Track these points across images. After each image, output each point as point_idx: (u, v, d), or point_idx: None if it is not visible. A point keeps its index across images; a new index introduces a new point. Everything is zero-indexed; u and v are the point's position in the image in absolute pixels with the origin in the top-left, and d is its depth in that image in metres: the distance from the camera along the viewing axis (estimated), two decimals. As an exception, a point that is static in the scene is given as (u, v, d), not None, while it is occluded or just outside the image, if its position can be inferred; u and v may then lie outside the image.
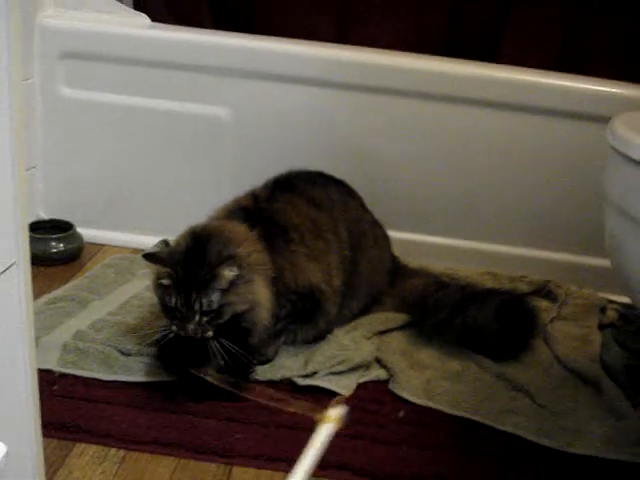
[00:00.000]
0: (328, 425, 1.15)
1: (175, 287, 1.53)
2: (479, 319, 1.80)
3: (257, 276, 1.60)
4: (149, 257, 1.56)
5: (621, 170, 1.36)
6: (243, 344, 1.57)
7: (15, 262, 0.97)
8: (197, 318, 1.52)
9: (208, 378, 1.53)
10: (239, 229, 1.66)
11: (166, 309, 1.57)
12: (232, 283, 1.54)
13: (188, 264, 1.53)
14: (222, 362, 1.54)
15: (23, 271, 0.99)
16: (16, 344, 1.02)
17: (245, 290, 1.56)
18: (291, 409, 1.37)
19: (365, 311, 1.94)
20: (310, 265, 1.76)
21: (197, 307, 1.51)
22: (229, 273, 1.52)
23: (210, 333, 1.53)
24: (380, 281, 1.98)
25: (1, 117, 0.92)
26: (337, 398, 1.33)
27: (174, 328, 1.54)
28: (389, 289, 1.99)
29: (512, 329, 1.82)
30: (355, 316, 1.92)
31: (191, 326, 1.52)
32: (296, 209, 1.81)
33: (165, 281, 1.55)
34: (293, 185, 1.88)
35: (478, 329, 1.81)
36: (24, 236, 0.99)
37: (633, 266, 1.37)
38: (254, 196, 1.83)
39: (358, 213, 1.96)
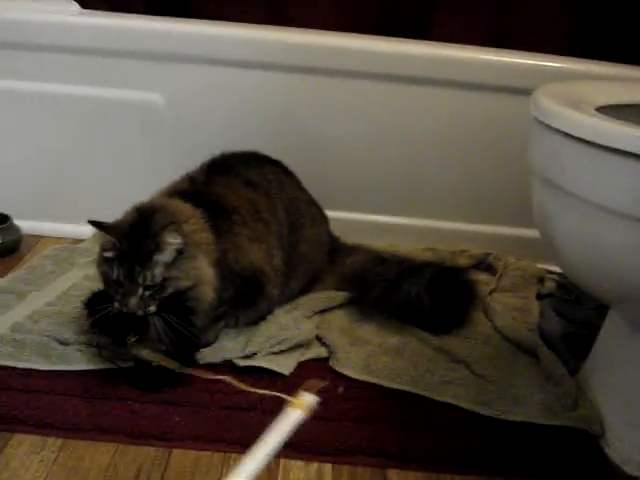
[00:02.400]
0: (297, 411, 1.12)
1: (119, 259, 1.52)
2: (412, 293, 1.82)
3: (201, 254, 1.60)
4: (95, 224, 1.55)
5: (543, 140, 1.38)
6: (187, 323, 1.55)
7: None
8: (140, 292, 1.51)
9: (145, 354, 1.52)
10: (184, 207, 1.66)
11: (109, 284, 1.55)
12: (176, 257, 1.53)
13: (132, 236, 1.53)
14: (165, 340, 1.52)
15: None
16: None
17: (189, 266, 1.56)
18: (259, 392, 1.37)
19: (305, 290, 1.95)
20: (253, 247, 1.76)
21: (140, 280, 1.50)
22: (172, 240, 1.51)
23: (152, 308, 1.52)
24: (319, 260, 1.99)
25: None
26: (310, 382, 1.31)
27: (116, 304, 1.52)
28: (329, 267, 2.00)
29: (446, 302, 1.84)
30: (295, 295, 1.93)
31: (133, 300, 1.50)
32: (234, 191, 1.81)
33: (109, 253, 1.54)
34: (229, 167, 1.87)
35: (412, 303, 1.83)
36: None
37: (559, 234, 1.40)
38: (191, 179, 1.82)
39: (295, 192, 1.97)
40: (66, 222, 2.28)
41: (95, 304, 1.58)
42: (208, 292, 1.61)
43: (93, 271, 1.93)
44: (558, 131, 1.31)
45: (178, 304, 1.55)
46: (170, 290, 1.54)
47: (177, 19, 2.21)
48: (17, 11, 2.16)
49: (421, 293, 1.82)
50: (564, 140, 1.30)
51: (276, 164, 1.97)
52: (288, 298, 1.91)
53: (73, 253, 2.13)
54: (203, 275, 1.59)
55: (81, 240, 2.23)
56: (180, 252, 1.54)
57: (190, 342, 1.57)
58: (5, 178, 2.28)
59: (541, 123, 1.37)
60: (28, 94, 2.20)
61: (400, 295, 1.84)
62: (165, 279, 1.52)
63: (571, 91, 1.49)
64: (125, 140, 2.24)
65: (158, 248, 1.51)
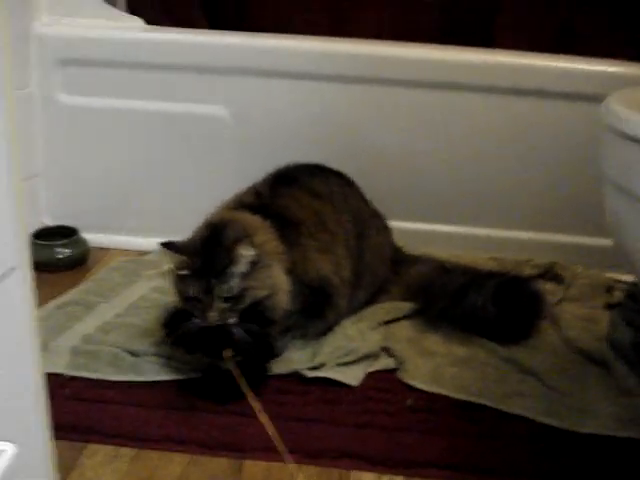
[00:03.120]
0: None
1: (194, 276, 1.53)
2: (478, 303, 1.81)
3: (275, 263, 1.61)
4: (167, 245, 1.57)
5: (617, 147, 1.35)
6: (265, 332, 1.58)
7: (15, 266, 0.98)
8: (218, 305, 1.52)
9: (230, 367, 1.53)
10: (253, 219, 1.67)
11: (186, 301, 1.57)
12: (251, 268, 1.54)
13: (205, 251, 1.54)
14: (245, 350, 1.53)
15: (23, 274, 1.00)
16: (22, 347, 1.03)
17: (264, 275, 1.57)
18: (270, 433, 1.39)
19: (371, 301, 1.95)
20: (320, 258, 1.77)
21: (218, 293, 1.51)
22: (246, 253, 1.52)
23: (233, 320, 1.53)
24: (384, 270, 1.98)
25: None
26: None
27: (196, 320, 1.54)
28: (394, 277, 1.99)
29: (512, 312, 1.81)
30: (362, 306, 1.93)
31: (212, 314, 1.51)
32: (300, 203, 1.82)
33: (184, 272, 1.55)
34: (294, 178, 1.88)
35: (478, 313, 1.81)
36: (23, 239, 1.00)
37: (634, 243, 1.37)
38: (256, 192, 1.84)
39: (358, 203, 1.97)
40: (133, 235, 2.33)
41: (173, 323, 1.60)
42: (284, 299, 1.62)
43: (161, 283, 1.97)
44: (633, 138, 1.28)
45: (257, 314, 1.56)
46: (248, 301, 1.55)
47: (239, 33, 2.24)
48: (83, 29, 2.22)
49: (487, 303, 1.80)
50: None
51: (339, 175, 1.97)
52: (355, 308, 1.91)
53: (140, 265, 2.16)
54: (278, 283, 1.61)
55: (146, 252, 2.26)
56: (254, 263, 1.55)
57: (268, 351, 1.60)
58: (72, 192, 2.34)
59: (615, 130, 1.34)
60: (95, 110, 2.25)
61: (466, 305, 1.82)
62: (242, 290, 1.53)
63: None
64: (190, 153, 2.27)
65: (232, 261, 1.52)
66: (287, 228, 1.71)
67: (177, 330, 1.57)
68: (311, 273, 1.74)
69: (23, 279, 1.00)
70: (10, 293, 0.98)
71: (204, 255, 1.54)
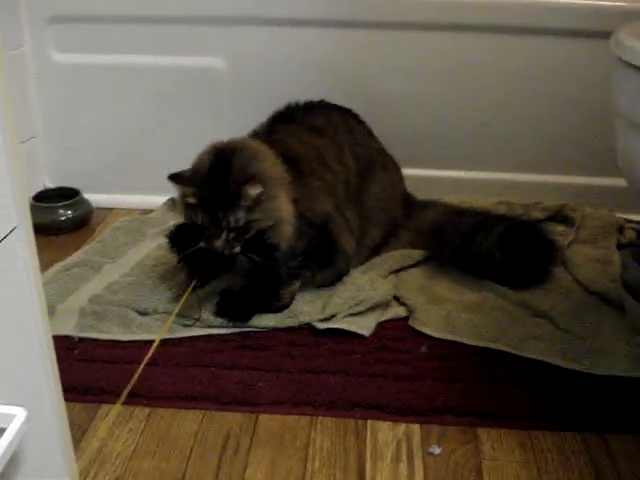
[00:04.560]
0: None
1: (201, 206, 1.56)
2: (483, 248, 1.79)
3: (280, 192, 1.62)
4: (174, 178, 1.59)
5: (629, 80, 1.32)
6: (270, 260, 1.60)
7: (16, 226, 0.96)
8: (224, 235, 1.55)
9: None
10: (261, 147, 1.67)
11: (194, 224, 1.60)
12: (257, 200, 1.56)
13: (212, 182, 1.56)
14: (251, 277, 1.60)
15: (26, 234, 0.98)
16: (27, 309, 1.02)
17: (269, 207, 1.59)
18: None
19: (383, 245, 1.92)
20: (323, 196, 1.75)
21: (224, 225, 1.55)
22: (254, 191, 1.54)
23: (238, 249, 1.57)
24: (395, 208, 1.94)
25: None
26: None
27: (202, 244, 1.58)
28: (404, 221, 1.96)
29: (519, 257, 1.79)
30: (377, 246, 1.90)
31: (218, 243, 1.55)
32: (298, 138, 1.79)
33: (191, 199, 1.57)
34: (292, 116, 1.86)
35: (483, 257, 1.79)
36: (23, 198, 0.98)
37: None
38: (254, 133, 1.82)
39: (364, 139, 1.93)
40: (135, 193, 2.30)
41: (179, 239, 1.64)
42: (288, 230, 1.63)
43: (164, 241, 1.95)
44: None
45: (261, 243, 1.59)
46: (253, 231, 1.57)
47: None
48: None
49: (492, 249, 1.78)
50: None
51: (346, 110, 1.93)
52: (369, 249, 1.89)
53: (143, 224, 2.13)
54: (283, 214, 1.62)
55: (149, 210, 2.23)
56: (261, 195, 1.55)
57: (274, 278, 1.63)
58: (73, 153, 2.30)
59: (626, 63, 1.31)
60: (89, 67, 2.20)
61: (472, 249, 1.80)
62: (247, 222, 1.56)
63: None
64: (188, 106, 2.23)
65: (240, 197, 1.53)
66: (288, 163, 1.68)
67: (185, 249, 1.61)
68: (314, 209, 1.72)
69: (25, 238, 0.98)
70: (13, 252, 0.97)
71: (211, 186, 1.55)
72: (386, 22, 2.10)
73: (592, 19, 2.04)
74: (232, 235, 1.56)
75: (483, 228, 1.82)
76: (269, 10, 2.11)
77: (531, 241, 1.84)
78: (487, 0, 2.07)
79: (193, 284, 1.61)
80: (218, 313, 1.67)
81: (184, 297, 1.60)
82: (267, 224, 1.58)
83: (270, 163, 1.62)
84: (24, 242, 0.98)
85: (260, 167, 1.58)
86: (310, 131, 1.82)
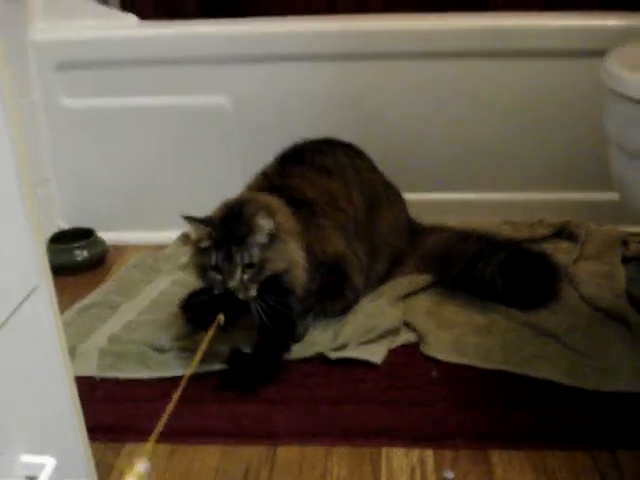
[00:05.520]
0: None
1: (215, 245, 1.58)
2: (486, 275, 1.82)
3: (292, 241, 1.65)
4: (189, 218, 1.61)
5: (617, 108, 1.36)
6: (285, 306, 1.62)
7: (38, 285, 1.00)
8: (239, 273, 1.56)
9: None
10: (270, 199, 1.71)
11: (206, 274, 1.61)
12: (269, 240, 1.59)
13: (226, 224, 1.59)
14: (267, 324, 1.58)
15: (47, 292, 1.01)
16: (51, 362, 1.05)
17: (282, 249, 1.62)
18: None
19: (389, 274, 1.96)
20: (334, 235, 1.80)
21: (238, 260, 1.56)
22: (265, 223, 1.57)
23: (253, 292, 1.58)
24: (400, 241, 1.98)
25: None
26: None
27: (215, 289, 1.59)
28: (409, 249, 2.00)
29: (521, 284, 1.82)
30: (381, 279, 1.94)
31: (233, 282, 1.56)
32: (310, 181, 1.83)
33: (204, 243, 1.60)
34: (301, 157, 1.90)
35: (488, 284, 1.82)
36: (42, 256, 1.01)
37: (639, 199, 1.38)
38: (265, 175, 1.86)
39: (369, 174, 1.97)
40: (147, 230, 2.35)
41: (190, 303, 1.67)
42: (301, 275, 1.66)
43: (180, 276, 1.99)
44: (631, 99, 1.29)
45: (276, 287, 1.61)
46: (267, 272, 1.59)
47: (232, 20, 2.23)
48: (79, 30, 2.22)
49: (494, 275, 1.81)
50: (637, 107, 1.28)
51: (349, 147, 1.97)
52: (375, 282, 1.92)
53: (158, 260, 2.18)
54: (296, 259, 1.65)
55: (163, 246, 2.28)
56: (273, 236, 1.59)
57: (289, 325, 1.64)
58: (86, 193, 2.36)
59: (614, 92, 1.35)
60: (98, 110, 2.27)
61: (476, 276, 1.84)
62: (262, 260, 1.58)
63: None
64: (197, 144, 2.28)
65: (252, 230, 1.57)
66: (300, 208, 1.74)
67: (192, 307, 1.65)
68: (327, 251, 1.76)
69: (46, 296, 1.01)
70: (35, 311, 1.00)
71: (225, 226, 1.59)
72: (384, 52, 2.16)
73: (583, 39, 2.08)
74: (247, 276, 1.57)
75: (485, 255, 1.85)
76: (270, 47, 2.17)
77: (531, 266, 1.86)
78: (481, 27, 2.12)
79: (216, 323, 1.59)
80: (224, 385, 1.62)
81: (208, 336, 1.55)
82: (281, 266, 1.61)
83: (282, 215, 1.66)
84: (46, 299, 1.01)
85: (274, 218, 1.62)
86: (320, 172, 1.86)
